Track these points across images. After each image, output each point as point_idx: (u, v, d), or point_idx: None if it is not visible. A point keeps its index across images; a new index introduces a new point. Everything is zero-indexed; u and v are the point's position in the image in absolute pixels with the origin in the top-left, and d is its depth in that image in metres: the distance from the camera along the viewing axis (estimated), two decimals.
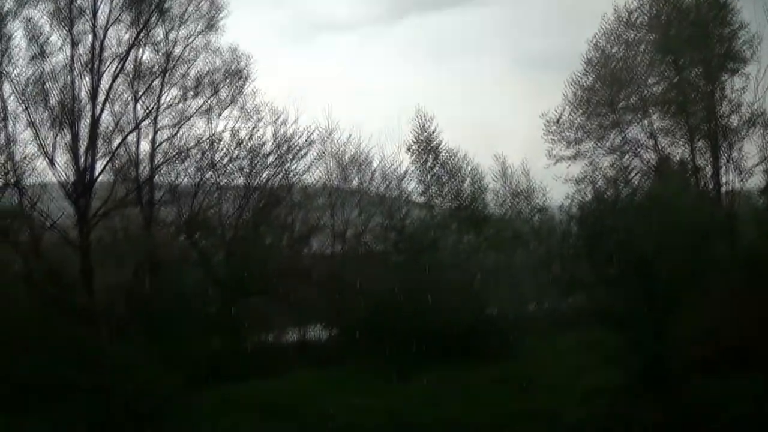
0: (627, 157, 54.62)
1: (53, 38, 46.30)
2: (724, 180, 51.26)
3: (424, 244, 52.66)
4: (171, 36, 49.22)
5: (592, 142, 54.97)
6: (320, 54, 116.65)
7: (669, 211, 32.36)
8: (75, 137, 44.69)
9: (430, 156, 54.15)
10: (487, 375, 40.75)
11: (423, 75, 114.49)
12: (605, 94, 54.74)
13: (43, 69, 45.31)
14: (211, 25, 50.33)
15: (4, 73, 44.95)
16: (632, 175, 51.68)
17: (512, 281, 58.67)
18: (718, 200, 50.79)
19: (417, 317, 45.80)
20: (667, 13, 53.64)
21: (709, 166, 52.11)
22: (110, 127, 47.64)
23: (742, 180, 51.69)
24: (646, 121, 54.31)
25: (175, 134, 50.15)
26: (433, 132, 55.45)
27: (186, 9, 49.55)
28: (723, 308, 33.11)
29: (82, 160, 44.83)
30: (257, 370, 44.32)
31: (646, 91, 54.28)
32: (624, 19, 54.80)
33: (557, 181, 56.45)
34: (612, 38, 54.91)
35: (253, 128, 53.41)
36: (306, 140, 54.01)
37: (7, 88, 44.68)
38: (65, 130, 44.64)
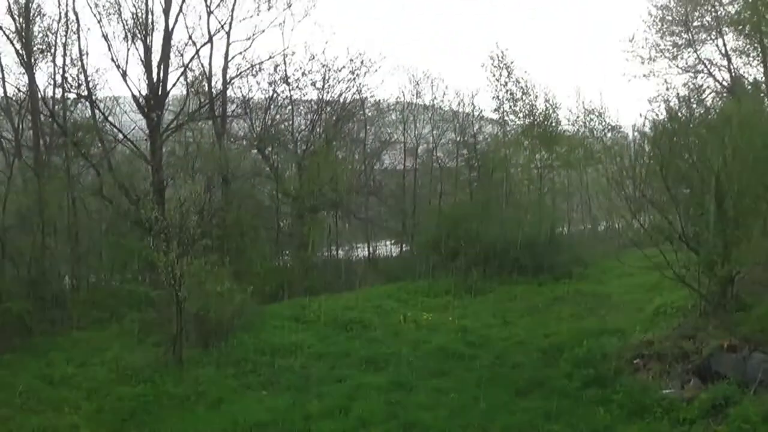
0: (700, 76, 53.85)
1: None
2: None
3: (497, 161, 52.54)
4: None
5: (666, 61, 54.20)
6: None
7: (742, 131, 31.73)
8: (148, 50, 44.82)
9: (504, 72, 53.67)
10: (558, 292, 40.79)
11: None
12: (680, 12, 53.80)
13: None
14: None
15: None
16: (705, 94, 50.88)
17: (584, 200, 58.67)
18: None
19: (488, 234, 45.91)
20: None
21: None
22: (183, 41, 47.83)
23: None
24: (720, 41, 53.29)
25: (248, 48, 50.33)
26: (507, 48, 54.99)
27: None
28: None
29: (155, 73, 45.00)
30: (327, 284, 44.71)
31: (720, 11, 53.16)
32: None
33: (630, 99, 55.80)
34: None
35: (327, 42, 53.55)
36: (379, 55, 53.90)
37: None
38: (138, 43, 44.78)
